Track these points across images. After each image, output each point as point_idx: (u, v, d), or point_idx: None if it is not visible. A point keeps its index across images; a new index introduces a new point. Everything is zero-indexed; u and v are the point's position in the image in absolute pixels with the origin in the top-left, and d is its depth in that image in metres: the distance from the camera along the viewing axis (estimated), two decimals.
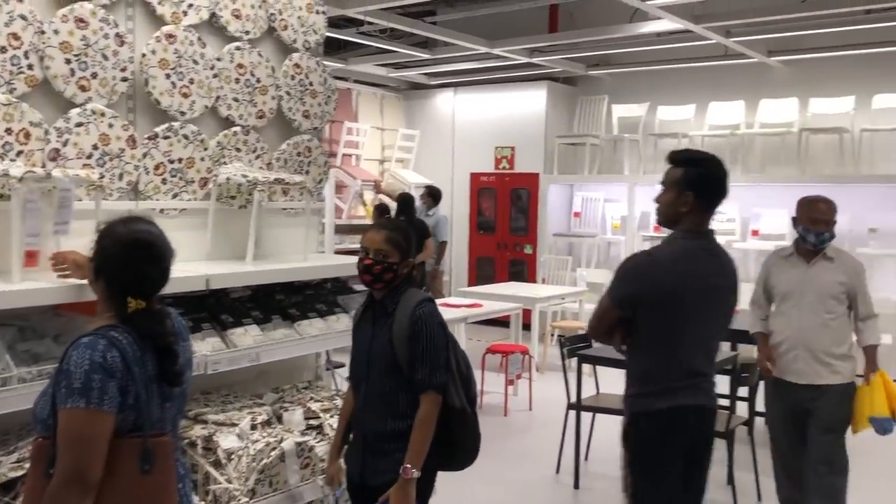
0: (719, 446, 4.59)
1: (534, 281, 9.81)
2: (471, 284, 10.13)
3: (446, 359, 2.69)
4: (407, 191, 9.38)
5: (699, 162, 2.78)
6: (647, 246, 9.60)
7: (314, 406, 3.42)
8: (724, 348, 6.48)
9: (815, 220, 3.72)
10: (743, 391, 4.87)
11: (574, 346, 5.13)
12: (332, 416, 3.39)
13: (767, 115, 8.83)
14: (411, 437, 2.61)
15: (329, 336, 3.52)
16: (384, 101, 11.09)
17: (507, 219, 10.48)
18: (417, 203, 8.95)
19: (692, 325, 2.75)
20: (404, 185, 10.06)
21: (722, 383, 5.11)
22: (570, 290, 8.38)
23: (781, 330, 3.86)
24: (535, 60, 9.28)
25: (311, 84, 3.95)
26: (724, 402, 4.93)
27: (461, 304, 6.97)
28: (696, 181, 2.72)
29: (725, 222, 8.99)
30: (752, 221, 8.81)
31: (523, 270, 10.20)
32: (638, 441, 2.81)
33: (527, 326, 7.84)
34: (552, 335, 8.42)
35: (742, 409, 4.92)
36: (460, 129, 10.90)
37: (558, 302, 8.21)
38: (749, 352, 6.66)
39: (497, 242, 10.48)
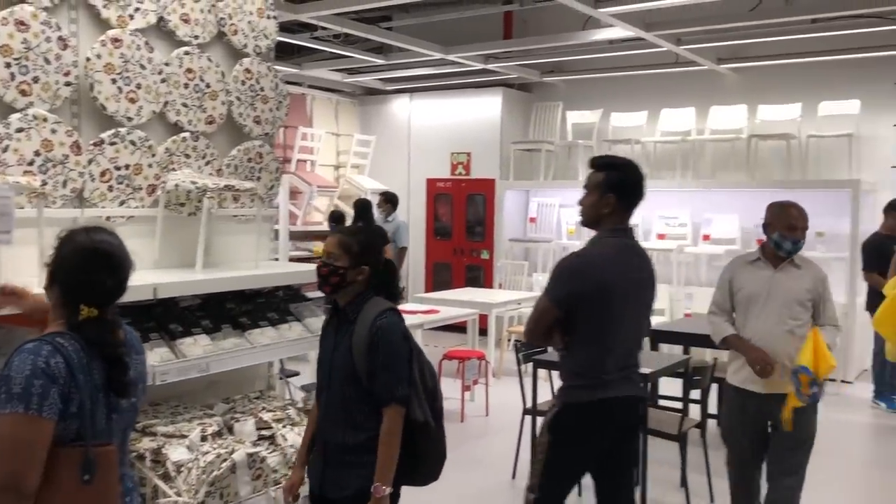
0: (672, 448, 4.67)
1: (491, 286, 9.84)
2: (428, 290, 10.12)
3: (409, 371, 2.63)
4: (364, 196, 9.32)
5: (619, 166, 2.99)
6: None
7: (266, 416, 3.37)
8: (677, 351, 6.59)
9: (792, 226, 3.60)
10: (695, 394, 4.93)
11: (530, 352, 5.14)
12: (284, 427, 3.34)
13: (717, 122, 8.98)
14: (378, 452, 2.55)
15: (281, 345, 3.48)
16: (339, 106, 11.03)
17: (464, 224, 10.50)
18: (375, 211, 8.91)
19: (623, 318, 2.93)
20: (360, 191, 10.02)
21: (675, 386, 5.21)
22: (527, 294, 8.41)
23: (745, 337, 3.69)
24: (489, 67, 9.33)
25: (262, 89, 3.91)
26: (678, 405, 5.03)
27: (418, 311, 6.95)
28: (617, 184, 2.92)
29: (677, 227, 9.14)
30: (703, 226, 8.94)
31: (480, 276, 10.23)
32: (565, 428, 2.96)
33: (484, 332, 7.85)
34: (508, 340, 8.44)
35: (694, 411, 4.99)
36: (416, 134, 10.90)
37: (514, 307, 8.24)
38: (701, 354, 6.77)
39: (454, 248, 10.49)
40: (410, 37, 8.53)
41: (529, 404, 4.98)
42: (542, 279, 9.38)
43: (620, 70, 9.51)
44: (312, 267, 3.65)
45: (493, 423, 6.49)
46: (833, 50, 8.13)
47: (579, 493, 4.60)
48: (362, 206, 8.57)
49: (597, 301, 2.85)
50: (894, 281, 6.28)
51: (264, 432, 3.32)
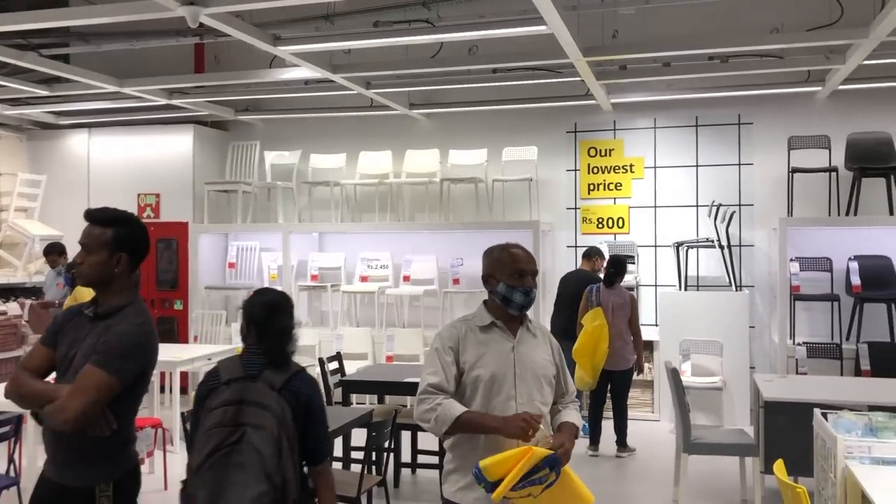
0: None
1: (186, 340, 9.07)
2: None
3: None
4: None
5: (126, 221, 2.73)
6: (304, 296, 9.38)
7: None
8: (372, 401, 6.41)
9: (520, 272, 2.83)
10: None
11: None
12: None
13: (413, 165, 9.12)
14: None
15: None
16: (1, 141, 9.62)
17: (154, 272, 9.59)
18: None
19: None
20: (26, 238, 8.76)
21: (358, 437, 4.95)
22: (219, 348, 7.78)
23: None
24: (175, 102, 8.65)
25: None
26: (358, 456, 4.76)
27: None
28: (129, 241, 2.70)
29: (379, 269, 9.11)
30: (404, 267, 8.99)
31: (173, 329, 9.35)
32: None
33: (183, 390, 7.12)
34: None
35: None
36: (97, 174, 9.81)
37: (205, 362, 7.57)
38: (402, 402, 6.65)
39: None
40: (79, 67, 7.65)
41: None
42: None
43: (318, 111, 9.35)
44: None
45: (172, 497, 5.79)
46: (513, 99, 8.62)
47: None
48: None
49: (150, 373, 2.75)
50: (590, 315, 6.64)
51: None
